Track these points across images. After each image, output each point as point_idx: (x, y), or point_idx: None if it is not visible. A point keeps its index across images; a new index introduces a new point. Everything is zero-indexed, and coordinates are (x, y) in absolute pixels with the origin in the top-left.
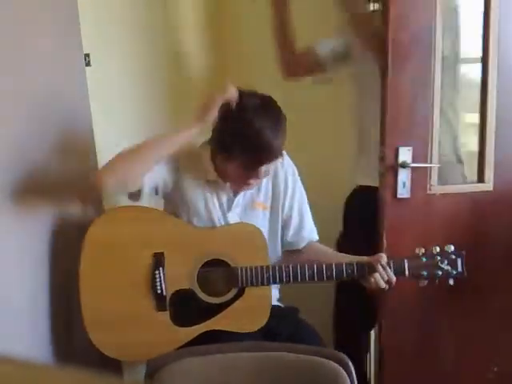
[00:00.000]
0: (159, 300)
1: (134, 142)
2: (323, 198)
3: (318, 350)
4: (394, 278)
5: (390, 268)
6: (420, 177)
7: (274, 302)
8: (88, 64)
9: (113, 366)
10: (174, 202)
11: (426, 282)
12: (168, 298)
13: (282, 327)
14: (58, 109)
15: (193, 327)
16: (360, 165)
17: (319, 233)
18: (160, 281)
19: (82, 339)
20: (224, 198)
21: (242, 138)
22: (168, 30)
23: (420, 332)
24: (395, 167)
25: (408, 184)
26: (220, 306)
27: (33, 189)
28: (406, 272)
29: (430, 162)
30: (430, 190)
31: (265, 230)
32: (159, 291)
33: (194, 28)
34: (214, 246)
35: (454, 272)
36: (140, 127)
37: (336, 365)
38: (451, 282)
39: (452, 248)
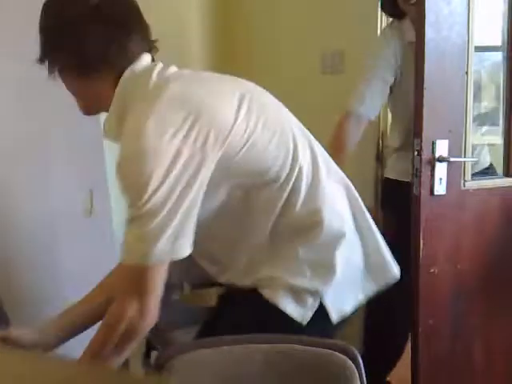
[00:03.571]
0: None
1: None
2: None
3: (326, 342)
4: None
5: None
6: (454, 172)
7: None
8: None
9: None
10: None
11: None
12: None
13: None
14: (66, 105)
15: None
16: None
17: None
18: None
19: None
20: None
21: None
22: (174, 18)
23: (453, 334)
24: (432, 162)
25: (444, 180)
26: None
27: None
28: None
29: (465, 156)
30: (464, 185)
31: None
32: None
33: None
34: None
35: None
36: None
37: (344, 357)
38: None
39: None
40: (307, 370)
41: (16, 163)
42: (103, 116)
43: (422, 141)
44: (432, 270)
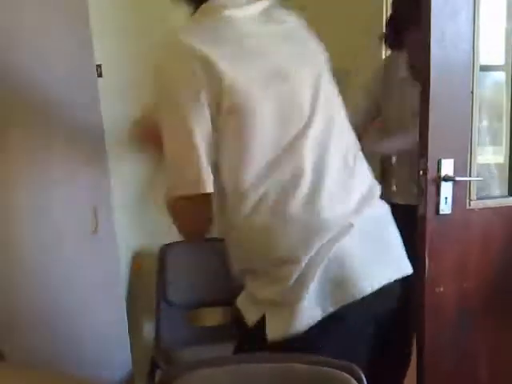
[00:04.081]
0: None
1: None
2: None
3: (330, 362)
4: None
5: None
6: (460, 191)
7: None
8: (100, 75)
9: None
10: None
11: None
12: None
13: None
14: (69, 119)
15: None
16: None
17: None
18: None
19: None
20: None
21: None
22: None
23: (459, 353)
24: (437, 181)
25: (450, 199)
26: None
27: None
28: None
29: (470, 175)
30: (469, 205)
31: None
32: None
33: None
34: None
35: None
36: None
37: (349, 376)
38: None
39: None
40: None
41: (18, 178)
42: (107, 131)
43: (427, 160)
44: (438, 289)
